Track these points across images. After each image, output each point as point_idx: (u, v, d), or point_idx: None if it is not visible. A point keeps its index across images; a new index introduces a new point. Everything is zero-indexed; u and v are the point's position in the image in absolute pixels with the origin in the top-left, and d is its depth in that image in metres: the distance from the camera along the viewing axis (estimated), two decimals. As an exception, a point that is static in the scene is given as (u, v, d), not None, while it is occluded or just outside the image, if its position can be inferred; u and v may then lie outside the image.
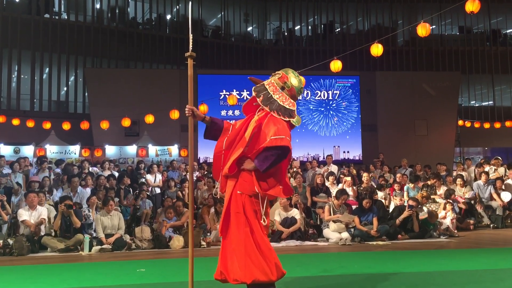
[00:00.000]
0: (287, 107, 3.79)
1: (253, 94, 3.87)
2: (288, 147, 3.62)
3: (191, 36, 3.82)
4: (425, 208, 9.32)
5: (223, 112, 19.05)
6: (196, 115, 3.86)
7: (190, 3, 4.42)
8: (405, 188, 10.69)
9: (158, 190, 11.49)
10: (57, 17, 24.18)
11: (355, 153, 20.18)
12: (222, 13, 27.56)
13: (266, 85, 3.86)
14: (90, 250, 7.60)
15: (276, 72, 3.95)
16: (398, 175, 11.75)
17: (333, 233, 8.37)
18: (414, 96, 20.71)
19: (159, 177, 11.75)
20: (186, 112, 3.84)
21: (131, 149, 16.74)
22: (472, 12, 8.68)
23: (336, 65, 11.22)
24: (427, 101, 20.58)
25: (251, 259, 3.57)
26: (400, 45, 27.53)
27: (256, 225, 3.66)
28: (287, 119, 3.79)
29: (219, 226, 3.83)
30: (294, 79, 3.89)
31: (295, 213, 8.67)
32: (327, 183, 10.63)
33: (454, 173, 13.47)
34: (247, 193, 3.69)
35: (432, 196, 10.18)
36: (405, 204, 9.20)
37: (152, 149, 16.79)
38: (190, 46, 3.83)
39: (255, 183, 3.66)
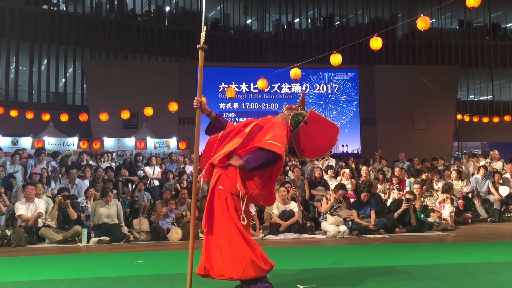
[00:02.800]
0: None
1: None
2: (280, 155, 3.59)
3: (204, 28, 3.82)
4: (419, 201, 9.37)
5: (222, 105, 19.01)
6: (203, 108, 3.86)
7: None
8: (406, 182, 10.70)
9: (156, 183, 11.50)
10: (55, 8, 24.04)
11: (354, 146, 20.19)
12: (221, 5, 27.43)
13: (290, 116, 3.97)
14: (88, 242, 7.62)
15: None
16: (397, 169, 11.76)
17: (331, 226, 8.40)
18: (413, 90, 20.68)
19: (157, 169, 11.75)
20: (195, 104, 3.83)
21: (130, 141, 16.73)
22: (473, 7, 8.65)
23: (336, 59, 11.17)
24: (426, 95, 20.55)
25: (237, 254, 3.56)
26: (399, 38, 27.44)
27: (239, 221, 3.66)
28: (291, 128, 3.87)
29: (203, 219, 3.81)
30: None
31: (293, 206, 8.68)
32: (325, 176, 10.64)
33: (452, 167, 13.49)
34: (228, 189, 3.68)
35: (425, 191, 10.20)
36: (403, 197, 9.23)
37: (151, 142, 16.79)
38: (202, 38, 3.82)
39: (238, 181, 3.65)
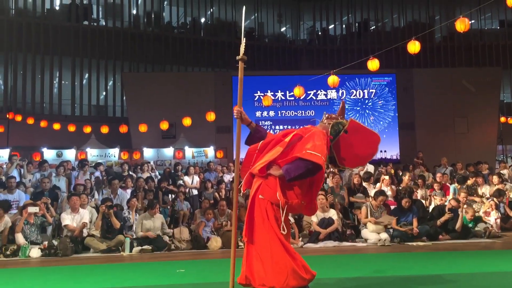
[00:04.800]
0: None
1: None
2: (320, 165, 3.58)
3: (243, 40, 3.89)
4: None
5: (258, 113, 19.08)
6: (243, 119, 3.90)
7: (243, 8, 4.48)
8: (450, 188, 10.42)
9: (195, 192, 11.63)
10: (95, 24, 24.84)
11: (393, 152, 19.82)
12: (256, 14, 27.64)
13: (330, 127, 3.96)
14: (131, 251, 7.78)
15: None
16: (438, 174, 11.48)
17: (372, 233, 8.27)
18: (454, 93, 20.15)
19: (196, 178, 11.88)
20: (235, 114, 3.88)
21: (168, 151, 17.00)
22: (513, 5, 8.38)
23: (374, 64, 11.02)
24: (467, 98, 19.99)
25: (278, 263, 3.55)
26: (437, 41, 26.87)
27: (279, 231, 3.66)
28: (331, 138, 3.86)
29: (245, 231, 3.83)
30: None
31: (332, 213, 8.61)
32: (364, 183, 10.50)
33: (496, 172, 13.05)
34: (268, 199, 3.68)
35: (470, 198, 9.88)
36: (446, 204, 9.00)
37: (189, 151, 17.00)
38: (242, 49, 3.89)
39: (278, 191, 3.65)
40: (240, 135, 3.95)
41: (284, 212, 3.69)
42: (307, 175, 3.63)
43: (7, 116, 18.13)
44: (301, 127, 3.99)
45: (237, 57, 3.93)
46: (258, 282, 3.62)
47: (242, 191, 4.19)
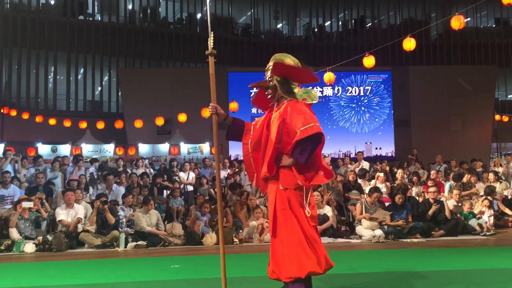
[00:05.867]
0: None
1: (269, 92, 3.89)
2: (320, 133, 3.59)
3: (211, 34, 3.86)
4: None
5: (254, 110, 19.08)
6: (219, 114, 3.89)
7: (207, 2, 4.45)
8: (446, 186, 10.46)
9: (190, 188, 11.62)
10: (91, 19, 24.74)
11: (388, 149, 19.88)
12: (252, 10, 27.60)
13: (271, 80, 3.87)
14: (125, 247, 7.77)
15: (268, 65, 3.91)
16: (433, 171, 11.51)
17: (366, 230, 8.29)
18: (449, 91, 20.21)
19: (192, 174, 11.88)
20: (210, 110, 3.86)
21: (164, 147, 16.99)
22: (509, 4, 8.40)
23: (369, 61, 11.04)
24: (462, 96, 20.05)
25: (303, 252, 3.56)
26: (433, 38, 26.94)
27: (303, 218, 3.64)
28: (309, 102, 3.82)
29: (270, 226, 3.81)
30: (288, 60, 3.86)
31: (327, 210, 8.63)
32: (359, 180, 10.52)
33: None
34: (291, 187, 3.67)
35: (464, 193, 9.97)
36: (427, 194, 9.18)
37: (184, 147, 17.00)
38: (211, 44, 3.87)
39: (297, 177, 3.65)
40: (217, 130, 3.95)
41: (309, 193, 3.72)
42: (315, 149, 3.65)
43: (2, 111, 18.05)
44: (274, 109, 3.88)
45: (206, 52, 3.90)
46: (285, 275, 3.62)
47: (263, 193, 4.20)
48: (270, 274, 3.76)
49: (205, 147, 17.13)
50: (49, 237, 7.79)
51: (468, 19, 24.89)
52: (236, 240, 8.15)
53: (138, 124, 16.25)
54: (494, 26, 27.54)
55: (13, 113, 17.76)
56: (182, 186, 11.34)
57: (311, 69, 4.01)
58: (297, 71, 3.88)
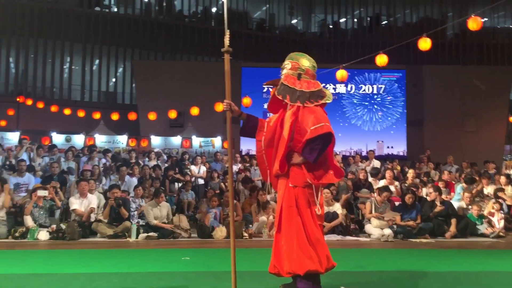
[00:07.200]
0: (313, 90, 3.84)
1: (279, 97, 3.90)
2: (330, 132, 3.64)
3: (227, 31, 3.90)
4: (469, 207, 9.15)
5: (266, 105, 19.12)
6: (233, 110, 3.93)
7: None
8: (458, 188, 10.39)
9: (201, 181, 11.71)
10: (107, 10, 24.91)
11: (400, 148, 19.81)
12: (267, 5, 27.56)
13: (285, 82, 3.91)
14: (137, 237, 7.88)
15: (284, 64, 4.00)
16: (445, 172, 11.45)
17: (375, 229, 8.31)
18: (463, 91, 20.05)
19: (203, 168, 11.95)
20: (224, 106, 3.91)
21: (176, 140, 17.11)
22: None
23: (382, 59, 10.98)
24: (477, 96, 19.89)
25: (302, 251, 3.62)
26: (449, 38, 26.69)
27: (308, 216, 3.69)
28: (320, 102, 3.83)
29: (275, 222, 3.89)
30: (304, 60, 3.93)
31: (337, 207, 8.66)
32: (371, 179, 10.52)
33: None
34: (300, 185, 3.73)
35: (474, 191, 9.91)
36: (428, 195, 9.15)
37: (196, 141, 17.10)
38: (227, 41, 3.91)
39: (306, 175, 3.71)
40: (231, 127, 4.00)
41: (319, 192, 3.78)
42: (325, 148, 3.70)
43: (18, 99, 18.29)
44: (288, 107, 3.88)
45: (222, 49, 3.94)
46: (285, 270, 3.68)
47: (274, 191, 4.24)
48: (271, 268, 3.81)
49: (217, 141, 17.21)
50: (63, 226, 7.93)
51: (485, 19, 24.62)
52: (246, 234, 8.22)
53: (152, 116, 16.38)
54: (511, 26, 27.19)
55: (29, 102, 17.98)
56: (193, 179, 11.43)
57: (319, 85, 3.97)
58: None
